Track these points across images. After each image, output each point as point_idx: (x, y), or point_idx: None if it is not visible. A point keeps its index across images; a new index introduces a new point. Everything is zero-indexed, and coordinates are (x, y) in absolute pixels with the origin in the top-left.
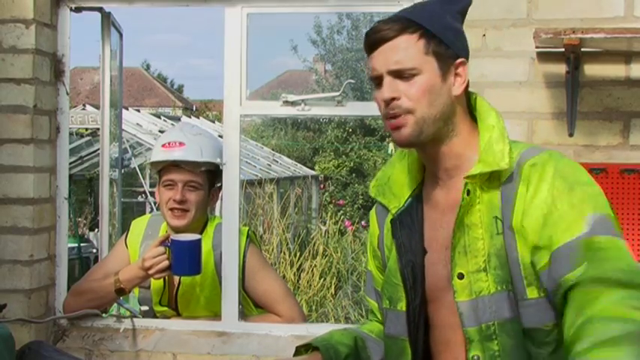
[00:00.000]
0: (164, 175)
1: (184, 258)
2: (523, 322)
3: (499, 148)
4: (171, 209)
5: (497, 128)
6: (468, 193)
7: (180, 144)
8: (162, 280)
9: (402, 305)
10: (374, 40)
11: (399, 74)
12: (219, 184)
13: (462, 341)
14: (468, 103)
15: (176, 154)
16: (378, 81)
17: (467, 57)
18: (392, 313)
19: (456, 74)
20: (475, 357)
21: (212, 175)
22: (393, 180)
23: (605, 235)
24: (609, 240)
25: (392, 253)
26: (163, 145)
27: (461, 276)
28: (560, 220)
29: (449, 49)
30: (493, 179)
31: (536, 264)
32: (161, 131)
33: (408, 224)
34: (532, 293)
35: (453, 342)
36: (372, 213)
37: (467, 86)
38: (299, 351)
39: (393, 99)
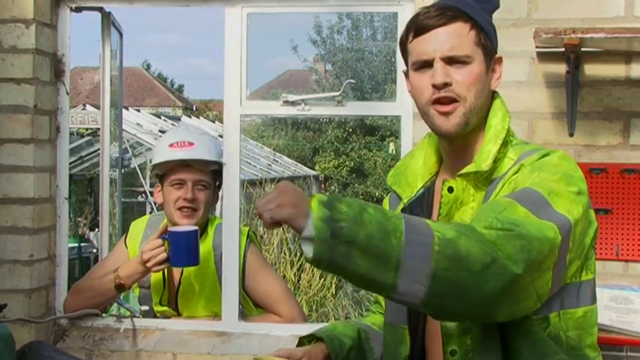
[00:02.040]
0: (172, 175)
1: (182, 249)
2: None
3: (488, 148)
4: (181, 208)
5: (494, 129)
6: (451, 190)
7: (190, 143)
8: (162, 279)
9: None
10: (426, 24)
11: (453, 60)
12: (218, 184)
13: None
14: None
15: (188, 154)
16: (424, 65)
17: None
18: (393, 302)
19: (493, 70)
20: (452, 351)
21: (216, 174)
22: (410, 170)
23: (509, 199)
24: (508, 201)
25: None
26: (171, 145)
27: None
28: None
29: (491, 44)
30: (488, 178)
31: None
32: (161, 131)
33: (418, 214)
34: None
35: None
36: (386, 201)
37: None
38: (302, 342)
39: (446, 84)
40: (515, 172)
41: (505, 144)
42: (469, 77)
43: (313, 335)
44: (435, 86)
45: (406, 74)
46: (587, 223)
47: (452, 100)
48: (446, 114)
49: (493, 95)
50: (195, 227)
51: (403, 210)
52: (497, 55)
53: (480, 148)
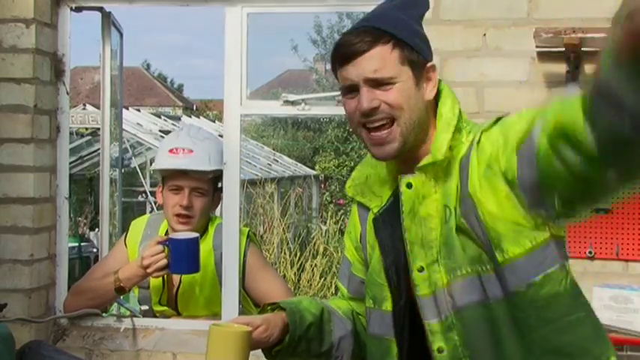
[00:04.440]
0: (170, 180)
1: (182, 256)
2: (509, 286)
3: (442, 137)
4: (177, 215)
5: (445, 117)
6: (410, 186)
7: (189, 151)
8: (161, 279)
9: (387, 305)
10: (347, 53)
11: (377, 83)
12: (220, 186)
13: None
14: (436, 99)
15: (185, 162)
16: (349, 90)
17: (431, 59)
18: (376, 313)
19: (427, 79)
20: (440, 349)
21: (216, 179)
22: (373, 179)
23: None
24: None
25: (375, 252)
26: (170, 151)
27: (421, 269)
28: (512, 128)
29: (419, 55)
30: (450, 166)
31: (512, 170)
32: (161, 131)
33: (391, 223)
34: (500, 257)
35: None
36: (354, 209)
37: (437, 88)
38: (265, 309)
39: (373, 109)
40: (478, 141)
41: (459, 130)
42: (398, 97)
43: (277, 304)
44: (362, 112)
45: None
46: None
47: (385, 123)
48: (380, 144)
49: (439, 87)
50: (196, 234)
51: (374, 220)
52: (429, 64)
53: (436, 139)
